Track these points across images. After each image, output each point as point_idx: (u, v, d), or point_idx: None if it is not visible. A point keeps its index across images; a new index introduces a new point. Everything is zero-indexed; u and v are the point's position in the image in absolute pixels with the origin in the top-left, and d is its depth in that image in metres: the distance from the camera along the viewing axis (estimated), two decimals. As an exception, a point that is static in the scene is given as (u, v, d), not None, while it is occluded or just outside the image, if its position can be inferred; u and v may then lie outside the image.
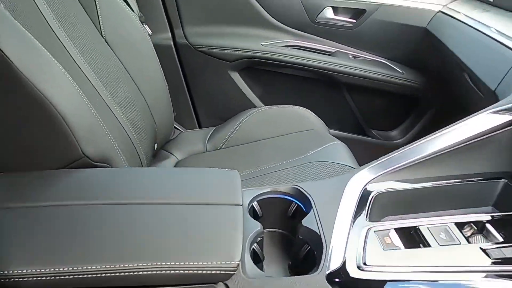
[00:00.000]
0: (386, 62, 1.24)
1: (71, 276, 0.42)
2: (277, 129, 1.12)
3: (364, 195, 0.58)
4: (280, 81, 1.27)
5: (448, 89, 1.15)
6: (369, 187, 0.60)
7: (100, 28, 0.91)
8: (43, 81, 0.55)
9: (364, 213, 0.56)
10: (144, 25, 1.07)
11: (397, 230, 0.52)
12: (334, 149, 1.00)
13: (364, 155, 1.36)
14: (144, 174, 0.61)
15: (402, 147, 0.64)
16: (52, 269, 0.42)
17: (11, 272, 0.42)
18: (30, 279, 0.42)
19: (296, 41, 1.23)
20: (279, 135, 1.11)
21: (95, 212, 0.50)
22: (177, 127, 1.26)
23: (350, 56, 1.24)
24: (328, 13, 1.19)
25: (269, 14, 1.20)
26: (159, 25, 1.19)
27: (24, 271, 0.42)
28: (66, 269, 0.42)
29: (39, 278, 0.42)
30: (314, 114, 1.14)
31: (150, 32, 1.10)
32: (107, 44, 0.92)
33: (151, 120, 1.00)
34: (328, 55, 1.23)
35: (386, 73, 1.22)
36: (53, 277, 0.42)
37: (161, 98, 1.06)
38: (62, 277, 0.42)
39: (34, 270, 0.42)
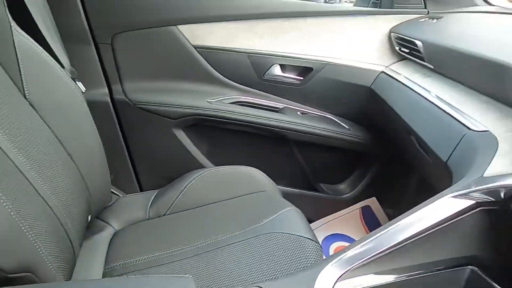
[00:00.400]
0: (334, 118, 1.25)
1: None
2: (227, 192, 1.05)
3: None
4: (228, 138, 1.21)
5: (394, 146, 1.17)
6: (340, 278, 0.55)
7: (23, 89, 0.79)
8: None
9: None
10: (76, 82, 0.96)
11: None
12: (288, 217, 0.94)
13: (315, 210, 1.34)
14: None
15: (365, 237, 0.60)
16: None
17: None
18: None
19: (244, 97, 1.19)
20: (229, 198, 1.04)
21: None
22: (114, 191, 1.14)
23: (298, 113, 1.22)
24: (276, 70, 1.17)
25: (216, 70, 1.15)
26: (95, 80, 1.08)
27: None
28: None
29: None
30: (265, 174, 1.09)
31: (83, 89, 0.99)
32: (33, 107, 0.80)
33: (84, 191, 0.88)
34: (276, 111, 1.21)
35: (333, 129, 1.22)
36: None
37: (97, 163, 0.94)
38: None
39: None
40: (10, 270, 0.50)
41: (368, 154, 1.29)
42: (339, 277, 0.55)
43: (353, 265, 0.56)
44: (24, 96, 0.80)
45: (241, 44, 1.13)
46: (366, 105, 1.20)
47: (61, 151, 0.83)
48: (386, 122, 1.15)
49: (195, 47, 1.11)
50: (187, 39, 1.10)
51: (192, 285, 0.51)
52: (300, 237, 0.87)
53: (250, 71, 1.16)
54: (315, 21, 1.15)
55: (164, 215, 1.02)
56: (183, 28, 1.09)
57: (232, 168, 1.09)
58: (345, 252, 0.59)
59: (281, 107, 1.22)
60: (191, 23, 1.09)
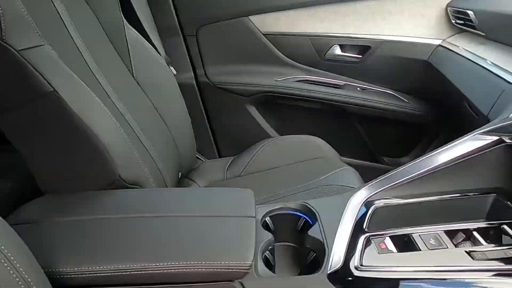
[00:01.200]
0: (392, 93, 1.33)
1: (113, 273, 0.50)
2: (290, 157, 1.20)
3: (364, 209, 0.65)
4: (294, 113, 1.37)
5: (452, 116, 1.22)
6: (368, 202, 0.67)
7: (132, 70, 1.04)
8: (90, 117, 0.67)
9: (363, 224, 0.63)
10: (170, 66, 1.20)
11: (392, 237, 0.58)
12: (344, 174, 1.07)
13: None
14: (168, 192, 0.70)
15: (399, 166, 0.72)
16: (96, 267, 0.51)
17: (62, 270, 0.51)
18: (78, 275, 0.51)
19: (307, 76, 1.34)
20: (292, 162, 1.19)
21: (130, 223, 0.59)
22: (199, 157, 1.37)
23: (358, 89, 1.33)
24: (336, 50, 1.30)
25: (282, 53, 1.32)
26: (183, 66, 1.32)
27: (74, 269, 0.51)
28: (108, 267, 0.51)
29: (85, 275, 0.51)
30: (325, 142, 1.22)
31: (175, 72, 1.23)
32: (138, 84, 1.04)
33: (176, 151, 1.10)
34: (338, 88, 1.33)
35: (392, 102, 1.30)
36: (97, 274, 0.51)
37: (185, 131, 1.17)
38: (104, 274, 0.51)
39: (81, 268, 0.51)
40: (128, 181, 0.72)
41: (428, 126, 1.34)
42: (372, 195, 0.67)
43: (385, 187, 0.68)
44: (132, 75, 1.04)
45: (304, 28, 1.28)
46: (423, 79, 1.26)
47: (158, 119, 1.06)
48: (442, 93, 1.21)
49: (264, 34, 1.30)
50: (257, 27, 1.29)
51: (252, 195, 0.68)
52: (353, 188, 0.99)
53: (312, 53, 1.30)
54: (372, 3, 1.25)
55: (238, 176, 1.21)
56: (254, 18, 1.28)
57: (295, 137, 1.25)
58: (378, 178, 0.71)
59: (342, 84, 1.34)
60: (260, 13, 1.28)
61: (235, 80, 1.33)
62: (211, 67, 1.34)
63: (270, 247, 0.62)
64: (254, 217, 0.61)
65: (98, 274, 0.51)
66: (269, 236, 0.62)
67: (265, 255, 0.60)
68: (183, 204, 0.64)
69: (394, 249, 0.56)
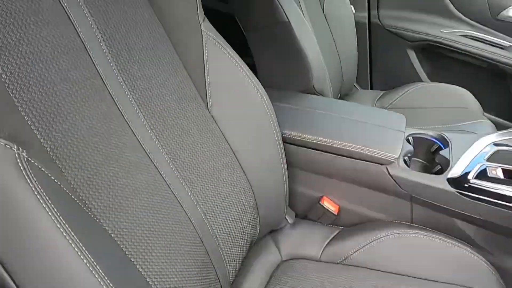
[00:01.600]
0: None
1: (311, 141, 0.85)
2: (436, 102, 1.39)
3: (489, 148, 0.87)
4: (449, 64, 1.50)
5: None
6: (495, 144, 0.88)
7: (323, 5, 1.32)
8: (304, 42, 0.99)
9: (485, 157, 0.85)
10: (351, 5, 1.44)
11: (504, 170, 0.80)
12: (482, 125, 1.23)
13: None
14: (346, 103, 1.02)
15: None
16: (303, 135, 0.86)
17: (285, 131, 0.88)
18: (291, 136, 0.87)
19: (473, 32, 1.44)
20: (436, 107, 1.38)
21: (322, 115, 0.92)
22: (355, 85, 1.64)
23: (524, 53, 1.39)
24: (510, 12, 1.36)
25: (454, 6, 1.43)
26: (361, 6, 1.54)
27: (291, 132, 0.87)
28: (310, 137, 0.85)
29: (295, 137, 0.87)
30: (472, 95, 1.37)
31: (354, 11, 1.47)
32: (325, 17, 1.33)
33: (340, 76, 1.40)
34: (501, 48, 1.41)
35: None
36: (300, 139, 0.86)
37: (351, 62, 1.44)
38: (304, 140, 0.86)
39: (295, 133, 0.87)
40: (317, 90, 1.05)
41: None
42: (502, 139, 0.88)
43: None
44: (322, 9, 1.32)
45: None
46: None
47: (333, 46, 1.34)
48: None
49: (441, -13, 1.42)
50: (436, -20, 1.42)
51: (404, 118, 0.94)
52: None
53: (485, 10, 1.39)
54: None
55: (385, 108, 1.46)
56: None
57: (446, 85, 1.41)
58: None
59: (507, 45, 1.41)
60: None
61: (403, 25, 1.51)
62: (384, 11, 1.54)
63: (409, 155, 0.89)
64: (404, 132, 0.88)
65: (301, 139, 0.86)
66: (410, 147, 0.89)
67: (404, 159, 0.88)
68: (357, 112, 0.94)
69: (502, 176, 0.79)
